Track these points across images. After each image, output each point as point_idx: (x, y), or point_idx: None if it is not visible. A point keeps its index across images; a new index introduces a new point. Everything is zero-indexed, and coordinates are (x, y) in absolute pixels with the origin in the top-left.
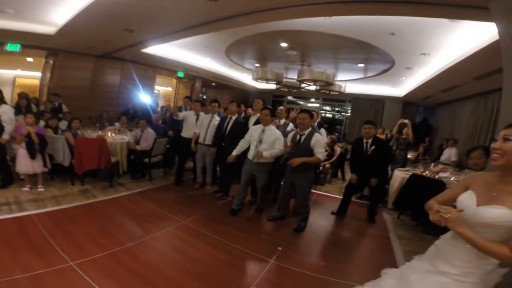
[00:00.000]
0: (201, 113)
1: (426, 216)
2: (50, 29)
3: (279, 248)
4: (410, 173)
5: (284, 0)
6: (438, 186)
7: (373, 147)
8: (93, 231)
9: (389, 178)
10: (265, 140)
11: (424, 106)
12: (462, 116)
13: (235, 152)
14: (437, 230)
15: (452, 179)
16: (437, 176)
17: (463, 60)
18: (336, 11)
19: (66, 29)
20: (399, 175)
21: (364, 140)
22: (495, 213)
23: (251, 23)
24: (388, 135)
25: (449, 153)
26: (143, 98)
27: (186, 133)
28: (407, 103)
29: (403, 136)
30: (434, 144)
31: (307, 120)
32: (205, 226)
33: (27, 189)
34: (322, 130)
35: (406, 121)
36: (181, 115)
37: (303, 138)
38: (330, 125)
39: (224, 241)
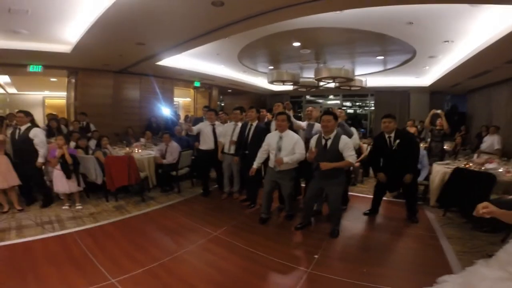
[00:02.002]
0: (216, 123)
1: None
2: (66, 48)
3: (315, 256)
4: (452, 167)
5: None
6: (488, 179)
7: (398, 140)
8: (129, 246)
9: (428, 173)
10: (284, 147)
11: (452, 94)
12: (499, 101)
13: (255, 165)
14: (488, 227)
15: (501, 170)
16: (483, 168)
17: (492, 45)
18: (347, 4)
19: (80, 47)
20: (439, 170)
21: (386, 135)
22: None
23: (260, 25)
24: (419, 127)
25: (491, 141)
26: (164, 110)
27: (203, 145)
28: (434, 92)
29: (437, 127)
30: (471, 132)
31: (331, 122)
32: (236, 237)
33: (66, 207)
34: (353, 129)
35: (439, 111)
36: (195, 128)
37: (329, 142)
38: (353, 121)
39: (257, 253)
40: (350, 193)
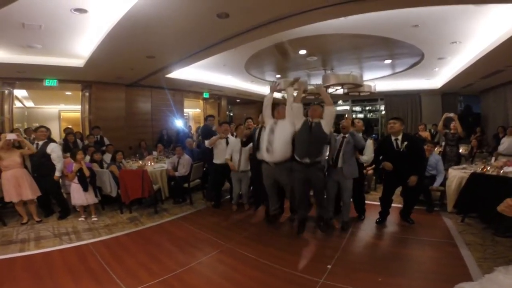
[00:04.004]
0: (230, 136)
1: (496, 217)
2: (78, 62)
3: (328, 266)
4: (469, 171)
5: (296, 7)
6: (508, 183)
7: (406, 142)
8: (144, 258)
9: (444, 179)
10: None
11: (465, 94)
12: None
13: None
14: (511, 232)
15: None
16: (501, 171)
17: (501, 44)
18: (351, 10)
19: (92, 61)
20: (456, 175)
21: (393, 137)
22: None
23: (265, 35)
24: (432, 131)
25: (509, 143)
26: (175, 122)
27: (218, 159)
28: (446, 94)
29: (452, 131)
30: (487, 133)
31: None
32: (248, 248)
33: (82, 219)
34: (369, 141)
35: (452, 114)
36: (208, 143)
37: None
38: (366, 126)
39: (269, 264)
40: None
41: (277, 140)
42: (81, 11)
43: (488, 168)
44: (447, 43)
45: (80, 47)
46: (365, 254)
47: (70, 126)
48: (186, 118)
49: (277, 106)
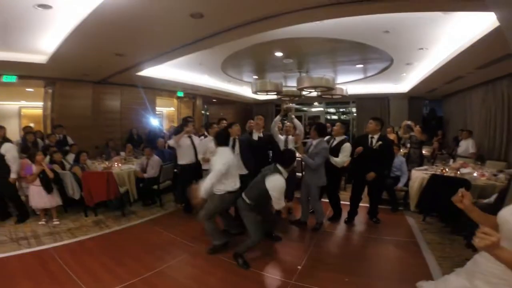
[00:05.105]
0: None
1: (453, 216)
2: (41, 58)
3: (298, 267)
4: (429, 173)
5: (271, 9)
6: (463, 185)
7: (380, 142)
8: (110, 262)
9: (407, 179)
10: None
11: (430, 99)
12: (473, 106)
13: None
14: (466, 231)
15: (475, 174)
16: (458, 172)
17: (463, 51)
18: (327, 14)
19: (57, 57)
20: (418, 176)
21: (370, 135)
22: None
23: (241, 37)
24: (399, 133)
25: (466, 145)
26: (146, 121)
27: (182, 159)
28: (413, 98)
29: (414, 134)
30: (448, 136)
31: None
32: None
33: (43, 223)
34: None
35: (410, 122)
36: (173, 141)
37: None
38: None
39: None
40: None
41: None
42: (45, 7)
43: (447, 169)
44: (415, 49)
45: (44, 43)
46: (334, 254)
47: (30, 125)
48: (160, 117)
49: None
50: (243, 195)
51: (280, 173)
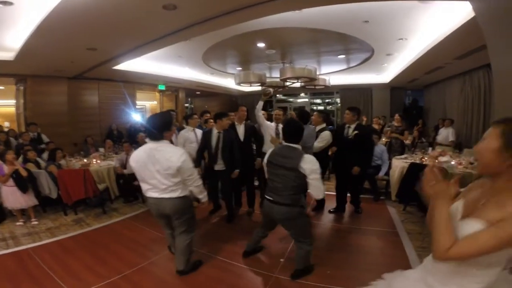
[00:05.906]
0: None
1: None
2: (8, 55)
3: (281, 260)
4: (409, 161)
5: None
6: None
7: (356, 132)
8: (90, 260)
9: (388, 168)
10: None
11: (412, 89)
12: (451, 96)
13: None
14: None
15: (453, 163)
16: (437, 161)
17: (441, 41)
18: (304, 2)
19: (24, 53)
20: (398, 165)
21: (346, 125)
22: (469, 228)
23: (217, 28)
24: (382, 122)
25: (446, 133)
26: (126, 116)
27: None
28: (394, 88)
29: (395, 124)
30: (428, 125)
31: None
32: (202, 245)
33: (21, 223)
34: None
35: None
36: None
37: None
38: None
39: (223, 259)
40: None
41: None
42: (6, 3)
43: (426, 158)
44: (395, 39)
45: (9, 39)
46: (316, 246)
47: (1, 124)
48: (143, 111)
49: None
50: (282, 204)
51: (301, 150)
